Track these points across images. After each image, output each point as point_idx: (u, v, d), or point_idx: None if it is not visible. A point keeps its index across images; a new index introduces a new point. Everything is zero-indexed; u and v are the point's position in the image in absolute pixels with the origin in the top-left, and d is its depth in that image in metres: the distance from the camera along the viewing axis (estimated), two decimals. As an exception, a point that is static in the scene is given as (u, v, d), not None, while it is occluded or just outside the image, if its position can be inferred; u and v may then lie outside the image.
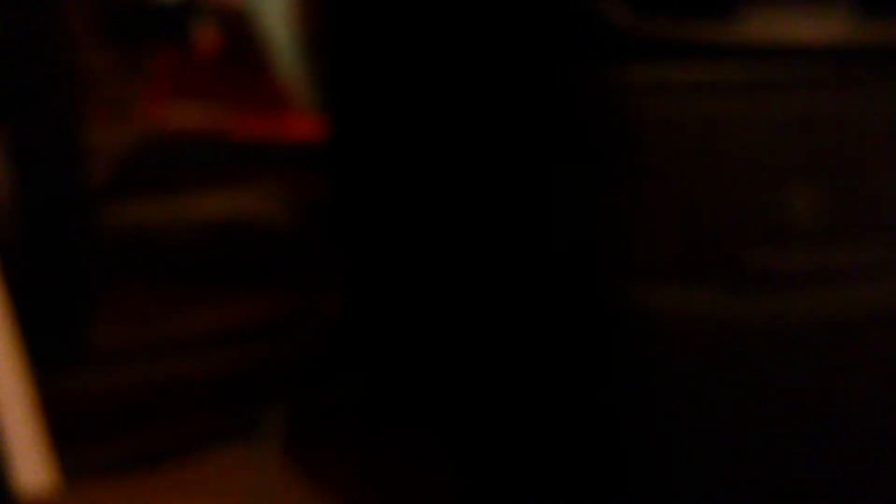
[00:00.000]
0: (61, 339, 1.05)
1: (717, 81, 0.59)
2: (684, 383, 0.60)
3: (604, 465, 0.63)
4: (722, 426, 0.61)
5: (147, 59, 1.75)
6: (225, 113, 1.73)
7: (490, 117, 0.69)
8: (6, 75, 1.00)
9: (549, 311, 0.63)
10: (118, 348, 1.09)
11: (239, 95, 1.80)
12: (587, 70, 0.60)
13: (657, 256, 0.60)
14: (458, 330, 0.80)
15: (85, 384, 1.03)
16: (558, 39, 0.61)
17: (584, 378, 0.62)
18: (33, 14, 1.02)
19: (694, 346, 0.60)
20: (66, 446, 0.94)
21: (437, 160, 0.82)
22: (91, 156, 1.30)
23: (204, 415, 1.02)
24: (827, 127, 0.61)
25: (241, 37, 1.84)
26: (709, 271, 0.60)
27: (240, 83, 1.82)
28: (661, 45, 0.59)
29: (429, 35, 0.82)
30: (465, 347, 0.79)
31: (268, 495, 0.88)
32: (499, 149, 0.68)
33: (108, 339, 1.11)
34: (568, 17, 0.59)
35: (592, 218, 0.60)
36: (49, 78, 1.05)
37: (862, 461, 0.64)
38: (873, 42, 0.61)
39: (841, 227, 0.62)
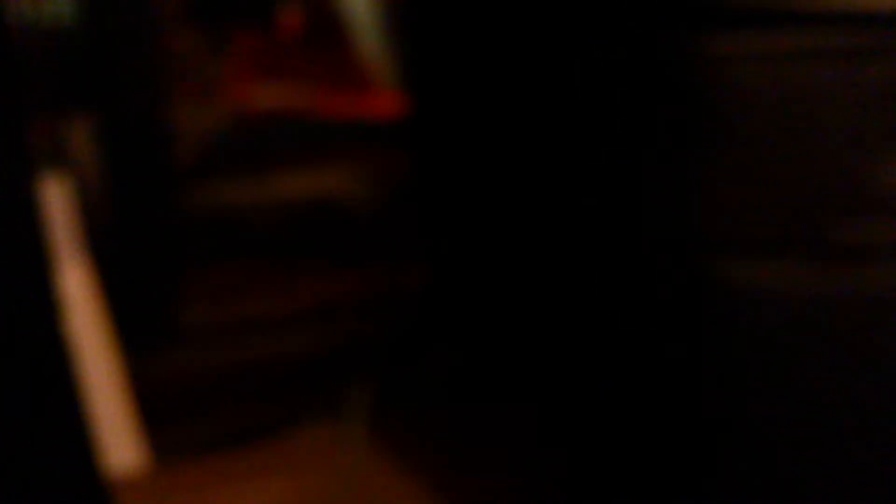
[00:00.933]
0: (152, 320, 1.07)
1: (802, 50, 0.58)
2: (771, 356, 0.59)
3: (695, 440, 0.63)
4: (808, 400, 0.60)
5: (231, 41, 1.77)
6: (308, 92, 1.74)
7: (577, 91, 0.68)
8: (97, 61, 1.01)
9: (638, 286, 0.63)
10: (207, 328, 1.11)
11: (322, 75, 1.81)
12: (676, 40, 0.59)
13: (742, 230, 0.59)
14: (545, 307, 0.80)
15: (175, 364, 1.05)
16: (648, 10, 0.60)
17: (673, 353, 0.62)
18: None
19: (780, 320, 0.59)
20: (156, 427, 0.95)
21: (521, 136, 0.81)
22: (178, 137, 1.31)
23: (291, 393, 1.02)
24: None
25: (324, 16, 1.84)
26: (794, 245, 0.59)
27: (323, 63, 1.83)
28: (748, 13, 0.58)
29: (513, 11, 0.82)
30: (553, 324, 0.78)
31: (354, 474, 0.88)
32: (586, 124, 0.67)
33: (196, 318, 1.13)
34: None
35: (681, 192, 0.59)
36: (137, 61, 1.06)
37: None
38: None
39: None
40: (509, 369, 0.97)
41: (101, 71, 1.02)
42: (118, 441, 0.91)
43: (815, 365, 0.60)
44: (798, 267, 0.59)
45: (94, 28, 1.01)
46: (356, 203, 1.43)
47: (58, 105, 1.01)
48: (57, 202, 0.90)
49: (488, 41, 0.95)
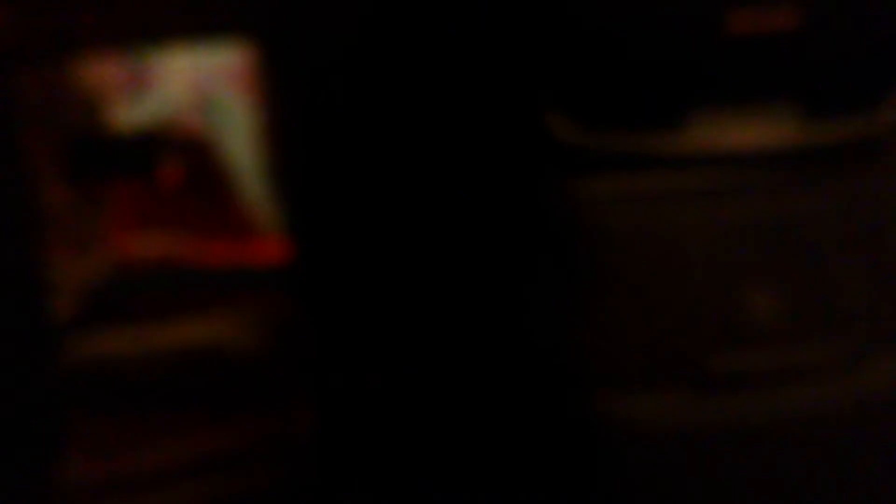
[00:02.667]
0: (27, 478, 1.04)
1: (667, 191, 0.61)
2: (654, 488, 0.60)
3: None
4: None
5: (110, 191, 1.76)
6: (190, 240, 1.74)
7: (452, 236, 0.70)
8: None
9: (524, 423, 0.63)
10: (86, 485, 1.08)
11: (204, 224, 1.81)
12: (539, 185, 0.61)
13: (620, 364, 0.60)
14: (435, 447, 0.80)
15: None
16: (509, 155, 0.62)
17: (556, 486, 0.62)
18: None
19: (661, 451, 0.60)
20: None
21: (403, 279, 0.82)
22: (56, 289, 1.30)
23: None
24: (777, 228, 0.62)
25: (205, 165, 1.85)
26: (673, 377, 0.61)
27: (205, 211, 1.83)
28: (610, 157, 0.60)
29: (388, 157, 0.83)
30: (444, 464, 0.78)
31: None
32: (464, 268, 0.68)
33: (75, 474, 1.10)
34: (516, 133, 0.61)
35: (558, 327, 0.61)
36: (9, 214, 1.05)
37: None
38: (819, 143, 0.63)
39: (801, 326, 0.62)
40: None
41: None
42: None
43: (701, 495, 0.61)
44: (678, 398, 0.61)
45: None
46: (239, 350, 1.42)
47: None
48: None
49: (369, 186, 0.96)
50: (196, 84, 1.79)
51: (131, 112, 1.64)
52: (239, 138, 1.80)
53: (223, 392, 1.37)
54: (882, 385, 0.64)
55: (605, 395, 0.60)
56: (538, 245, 0.60)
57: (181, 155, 1.77)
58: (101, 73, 1.61)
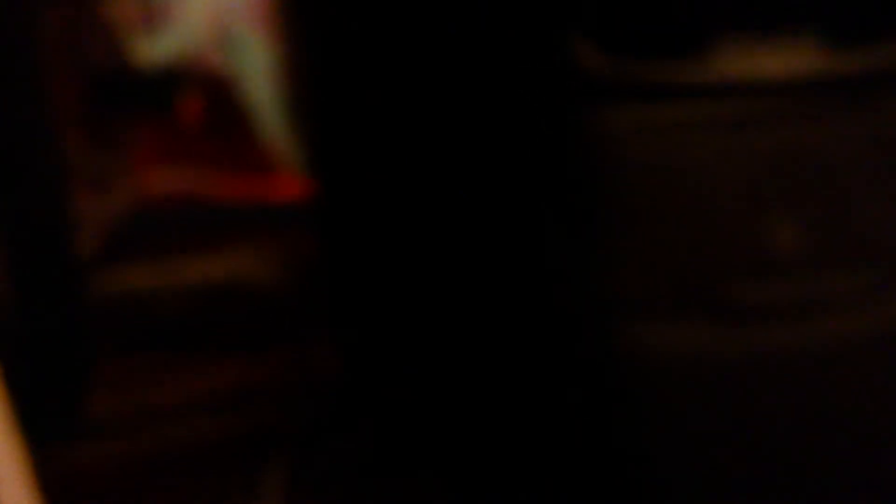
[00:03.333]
0: (57, 412, 1.05)
1: (691, 121, 0.60)
2: (673, 416, 0.60)
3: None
4: (711, 459, 0.61)
5: (131, 128, 1.76)
6: (211, 178, 1.74)
7: (476, 169, 0.69)
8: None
9: (545, 354, 0.63)
10: (114, 418, 1.09)
11: (224, 160, 1.81)
12: (565, 115, 0.60)
13: (643, 295, 0.60)
14: (454, 380, 0.80)
15: (82, 455, 1.03)
16: (536, 87, 0.62)
17: (577, 416, 0.62)
18: (17, 88, 1.03)
19: (681, 380, 0.60)
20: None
21: (424, 215, 0.82)
22: (79, 227, 1.30)
23: (203, 480, 1.01)
24: (802, 159, 0.61)
25: (224, 102, 1.85)
26: (694, 307, 0.60)
27: (224, 148, 1.83)
28: (634, 87, 0.60)
29: (408, 93, 0.83)
30: (463, 397, 0.79)
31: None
32: (488, 201, 0.68)
33: (104, 408, 1.11)
34: (543, 64, 0.60)
35: (581, 260, 0.61)
36: (34, 152, 1.05)
37: (850, 491, 0.64)
38: (842, 73, 0.62)
39: (821, 259, 0.62)
40: (422, 446, 0.97)
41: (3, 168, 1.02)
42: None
43: (717, 423, 0.61)
44: (699, 328, 0.60)
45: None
46: (263, 286, 1.42)
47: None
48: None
49: (389, 122, 0.96)
50: (216, 20, 1.78)
51: (151, 48, 1.63)
52: (258, 75, 1.79)
53: (245, 327, 1.38)
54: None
55: (630, 325, 0.60)
56: (563, 176, 0.60)
57: (200, 91, 1.76)
58: (122, 9, 1.60)
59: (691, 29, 0.59)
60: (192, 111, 1.81)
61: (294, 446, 0.99)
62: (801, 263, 0.61)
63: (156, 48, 1.64)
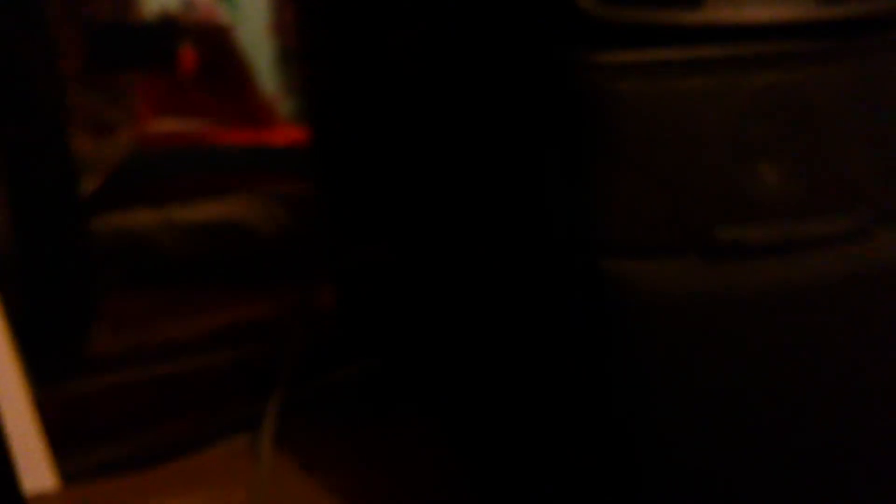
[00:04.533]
0: (60, 346, 1.05)
1: (684, 63, 0.60)
2: (666, 352, 0.61)
3: (595, 444, 0.64)
4: (700, 395, 0.62)
5: (130, 78, 1.76)
6: (208, 127, 1.74)
7: (466, 109, 0.70)
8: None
9: (536, 291, 0.64)
10: (115, 353, 1.10)
11: (221, 110, 1.81)
12: (558, 56, 0.60)
13: (631, 232, 0.61)
14: (449, 317, 0.81)
15: (85, 389, 1.03)
16: (529, 27, 0.62)
17: (569, 354, 0.63)
18: (19, 35, 1.03)
19: (669, 317, 0.61)
20: (69, 449, 0.94)
21: (415, 155, 0.83)
22: (82, 168, 1.30)
23: (204, 412, 1.02)
24: (793, 103, 0.62)
25: (224, 55, 1.84)
26: (681, 245, 0.61)
27: (221, 98, 1.82)
28: (630, 30, 0.60)
29: (399, 35, 0.83)
30: (458, 334, 0.79)
31: (266, 485, 0.88)
32: (478, 139, 0.68)
33: (106, 343, 1.11)
34: (537, 3, 0.60)
35: (572, 197, 0.61)
36: (36, 99, 1.05)
37: (841, 426, 0.65)
38: (832, 18, 0.62)
39: (809, 199, 0.63)
40: (417, 383, 0.98)
41: (6, 112, 1.02)
42: (30, 465, 0.90)
43: (705, 360, 0.62)
44: (685, 266, 0.61)
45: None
46: (260, 226, 1.43)
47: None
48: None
49: (378, 70, 0.96)
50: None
51: (151, 0, 1.63)
52: (255, 27, 1.79)
53: (244, 265, 1.38)
54: (885, 257, 0.65)
55: (620, 263, 0.61)
56: (554, 116, 0.60)
57: (199, 43, 1.75)
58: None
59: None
60: (191, 62, 1.81)
61: (293, 379, 1.00)
62: (784, 205, 0.62)
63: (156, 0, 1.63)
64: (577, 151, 0.61)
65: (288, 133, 1.70)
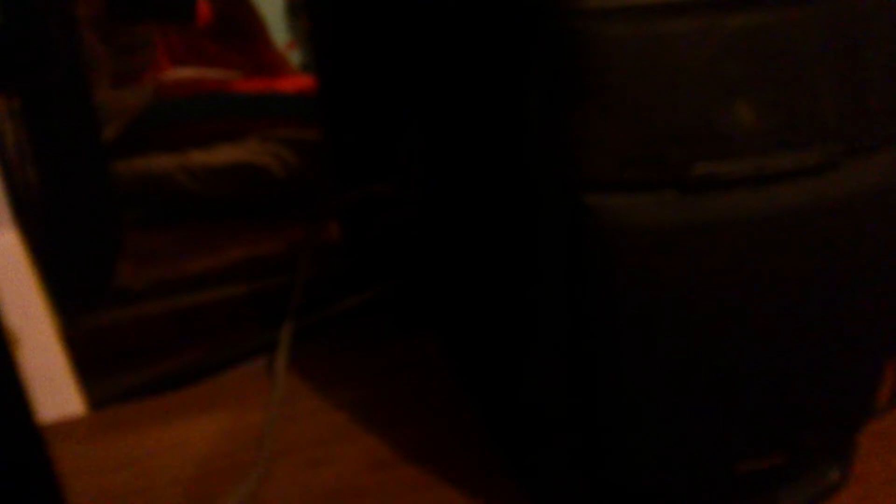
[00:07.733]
0: (85, 280, 1.06)
1: (664, 6, 0.60)
2: (639, 277, 0.62)
3: (575, 372, 0.65)
4: (672, 318, 0.63)
5: (149, 30, 1.75)
6: (223, 76, 1.74)
7: (459, 55, 0.70)
8: (14, 50, 1.01)
9: (522, 223, 0.64)
10: (138, 287, 1.11)
11: (235, 60, 1.81)
12: (542, 2, 0.60)
13: (612, 169, 0.61)
14: (445, 248, 0.82)
15: (110, 320, 1.04)
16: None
17: (553, 282, 0.63)
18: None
19: (646, 244, 0.61)
20: (93, 377, 0.95)
21: (414, 101, 0.83)
22: (103, 115, 1.30)
23: (221, 341, 1.03)
24: (767, 43, 0.62)
25: (235, 5, 1.84)
26: (659, 180, 0.61)
27: (235, 48, 1.82)
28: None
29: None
30: (452, 263, 0.80)
31: (281, 401, 0.89)
32: (470, 84, 0.69)
33: (128, 279, 1.12)
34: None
35: (557, 137, 0.61)
36: (59, 49, 1.05)
37: (804, 347, 0.66)
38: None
39: (781, 136, 0.63)
40: (419, 311, 0.99)
41: (24, 58, 1.02)
42: (58, 392, 0.91)
43: (675, 281, 0.63)
44: (662, 198, 0.62)
45: (16, 20, 1.00)
46: (273, 169, 1.43)
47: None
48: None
49: (380, 21, 0.97)
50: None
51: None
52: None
53: (258, 203, 1.39)
54: (852, 187, 0.65)
55: (591, 195, 0.61)
56: (540, 61, 0.60)
57: (213, -4, 1.75)
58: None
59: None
60: (207, 14, 1.81)
61: (302, 308, 1.01)
62: (757, 140, 0.63)
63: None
64: (562, 94, 0.61)
65: (297, 81, 1.70)
